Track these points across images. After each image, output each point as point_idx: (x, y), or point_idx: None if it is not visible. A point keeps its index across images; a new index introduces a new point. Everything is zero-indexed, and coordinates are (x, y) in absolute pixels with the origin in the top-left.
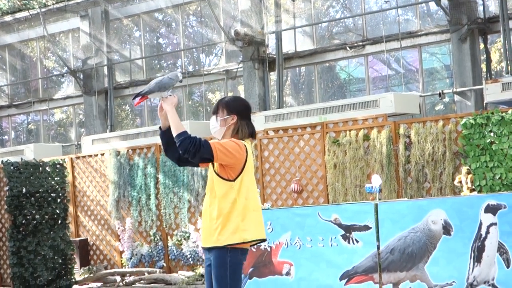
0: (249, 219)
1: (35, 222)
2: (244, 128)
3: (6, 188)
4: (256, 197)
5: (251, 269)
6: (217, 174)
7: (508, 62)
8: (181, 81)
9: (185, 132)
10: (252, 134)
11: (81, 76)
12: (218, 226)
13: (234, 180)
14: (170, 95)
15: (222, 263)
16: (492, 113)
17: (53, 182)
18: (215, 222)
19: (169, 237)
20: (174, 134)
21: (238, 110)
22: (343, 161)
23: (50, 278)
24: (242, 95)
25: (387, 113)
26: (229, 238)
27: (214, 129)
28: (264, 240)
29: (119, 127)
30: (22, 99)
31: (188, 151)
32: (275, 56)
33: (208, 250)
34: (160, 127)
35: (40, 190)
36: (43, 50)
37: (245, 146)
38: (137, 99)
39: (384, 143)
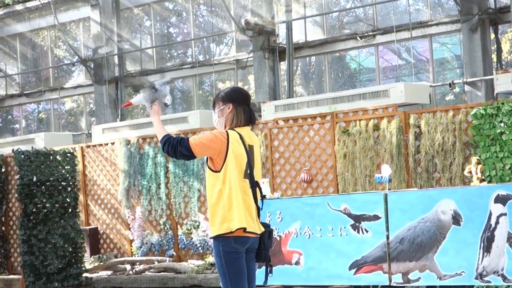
0: (234, 209)
1: (45, 210)
2: (240, 115)
3: (17, 176)
4: (243, 186)
5: None
6: (208, 166)
7: None
8: (167, 105)
9: (165, 135)
10: (249, 120)
11: (92, 65)
12: (210, 217)
13: (220, 171)
14: (153, 105)
15: (217, 253)
16: (503, 104)
17: (63, 171)
18: (209, 213)
19: (179, 226)
20: (159, 139)
21: (233, 98)
22: (353, 151)
23: (60, 266)
24: (252, 85)
25: (397, 103)
26: (217, 228)
27: (215, 122)
28: (251, 232)
29: (130, 116)
30: (33, 88)
31: (168, 152)
32: (285, 46)
33: None
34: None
35: (50, 178)
36: (53, 39)
37: (227, 134)
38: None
39: (394, 133)
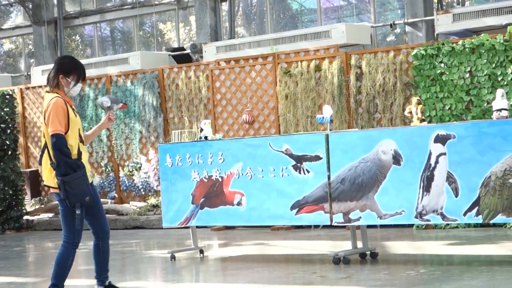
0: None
1: None
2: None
3: None
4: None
5: (202, 199)
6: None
7: None
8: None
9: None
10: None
11: (30, 6)
12: None
13: None
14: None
15: None
16: (443, 44)
17: (2, 113)
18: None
19: (120, 168)
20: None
21: None
22: (294, 92)
23: (0, 209)
24: (193, 26)
25: (338, 44)
26: None
27: None
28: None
29: None
30: None
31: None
32: None
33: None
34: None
35: None
36: None
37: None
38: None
39: (335, 74)
